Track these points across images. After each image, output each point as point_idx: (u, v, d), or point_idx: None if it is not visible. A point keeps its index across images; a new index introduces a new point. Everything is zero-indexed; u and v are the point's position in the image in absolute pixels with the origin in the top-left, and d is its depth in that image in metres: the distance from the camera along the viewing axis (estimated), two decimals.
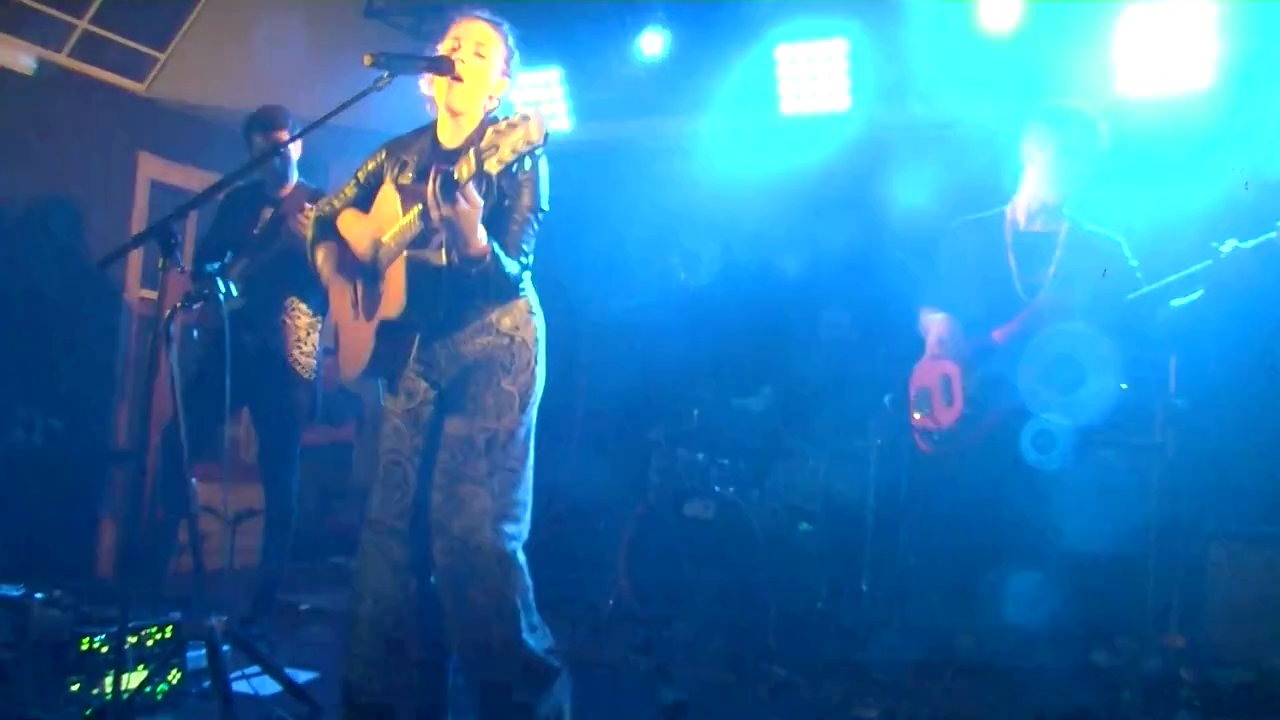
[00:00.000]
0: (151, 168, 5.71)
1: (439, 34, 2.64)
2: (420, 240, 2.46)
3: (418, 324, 2.55)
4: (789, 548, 4.56)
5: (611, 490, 5.71)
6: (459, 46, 2.56)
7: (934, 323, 3.00)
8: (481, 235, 2.37)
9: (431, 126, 2.70)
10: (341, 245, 2.75)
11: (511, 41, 2.66)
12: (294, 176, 3.99)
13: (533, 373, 2.65)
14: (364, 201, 2.73)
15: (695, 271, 4.98)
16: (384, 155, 2.75)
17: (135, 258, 5.60)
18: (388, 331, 2.55)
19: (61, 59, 5.16)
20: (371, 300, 2.61)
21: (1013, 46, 4.49)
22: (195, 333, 3.87)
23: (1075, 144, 2.87)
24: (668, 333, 5.90)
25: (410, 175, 2.66)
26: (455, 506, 2.54)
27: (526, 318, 2.67)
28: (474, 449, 2.56)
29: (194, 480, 3.09)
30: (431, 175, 2.34)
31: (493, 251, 2.41)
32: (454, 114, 2.62)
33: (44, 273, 5.13)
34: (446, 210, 2.28)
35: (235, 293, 3.70)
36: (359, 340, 2.63)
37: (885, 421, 4.51)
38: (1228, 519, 4.14)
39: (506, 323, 2.63)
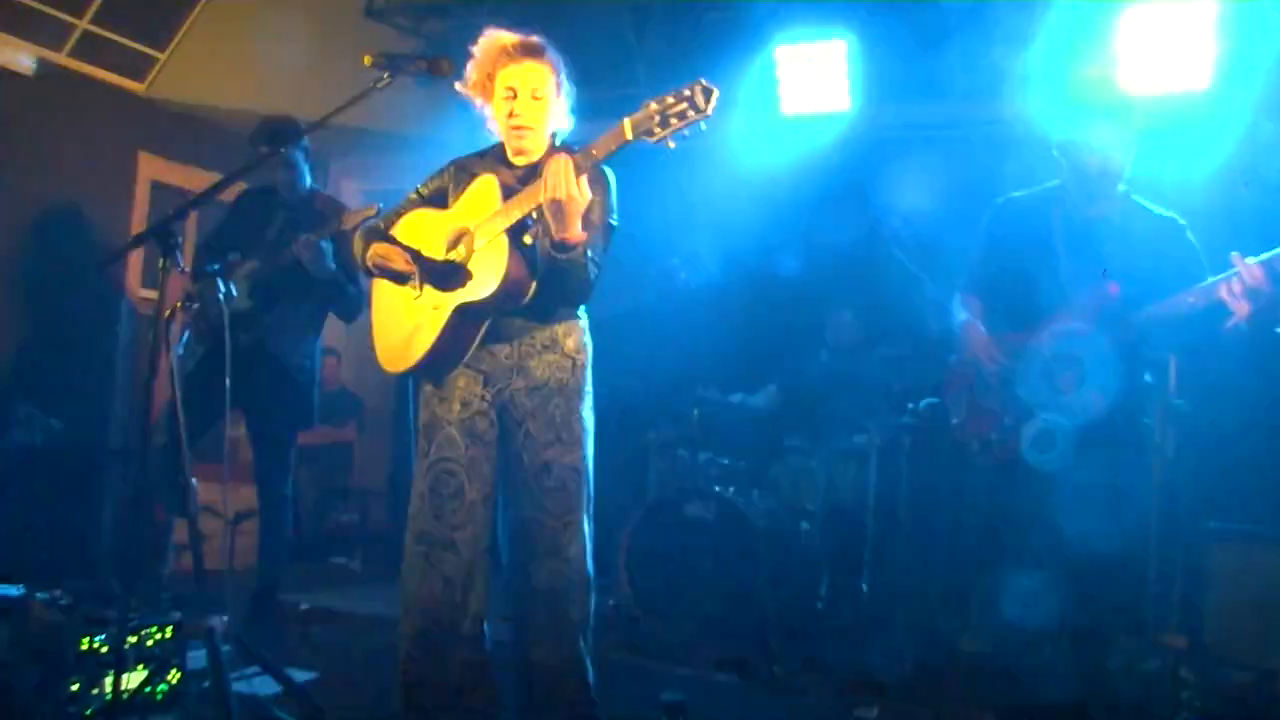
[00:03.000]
0: (151, 168, 5.72)
1: (481, 79, 2.61)
2: (515, 230, 2.48)
3: (497, 309, 2.52)
4: (789, 548, 4.56)
5: (612, 490, 5.71)
6: (515, 95, 2.55)
7: (969, 332, 2.85)
8: (580, 225, 2.40)
9: (499, 147, 2.70)
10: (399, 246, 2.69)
11: (564, 72, 2.63)
12: (307, 182, 3.97)
13: (591, 396, 2.75)
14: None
15: (696, 272, 4.98)
16: (451, 170, 2.73)
17: (135, 258, 5.60)
18: (464, 315, 2.51)
19: (61, 59, 5.16)
20: (446, 284, 2.55)
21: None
22: (185, 335, 3.85)
23: (1093, 147, 2.70)
24: (668, 332, 5.91)
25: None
26: (572, 534, 2.63)
27: (584, 342, 2.74)
28: (580, 476, 2.67)
29: (194, 480, 3.09)
30: (554, 158, 2.37)
31: (591, 258, 2.48)
32: (522, 153, 2.64)
33: (44, 272, 5.13)
34: (562, 194, 2.32)
35: (235, 294, 3.71)
36: (419, 329, 2.58)
37: (885, 422, 4.52)
38: (1228, 519, 4.14)
39: (570, 344, 2.69)
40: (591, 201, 2.48)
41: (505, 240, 2.45)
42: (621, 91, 5.97)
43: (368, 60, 2.45)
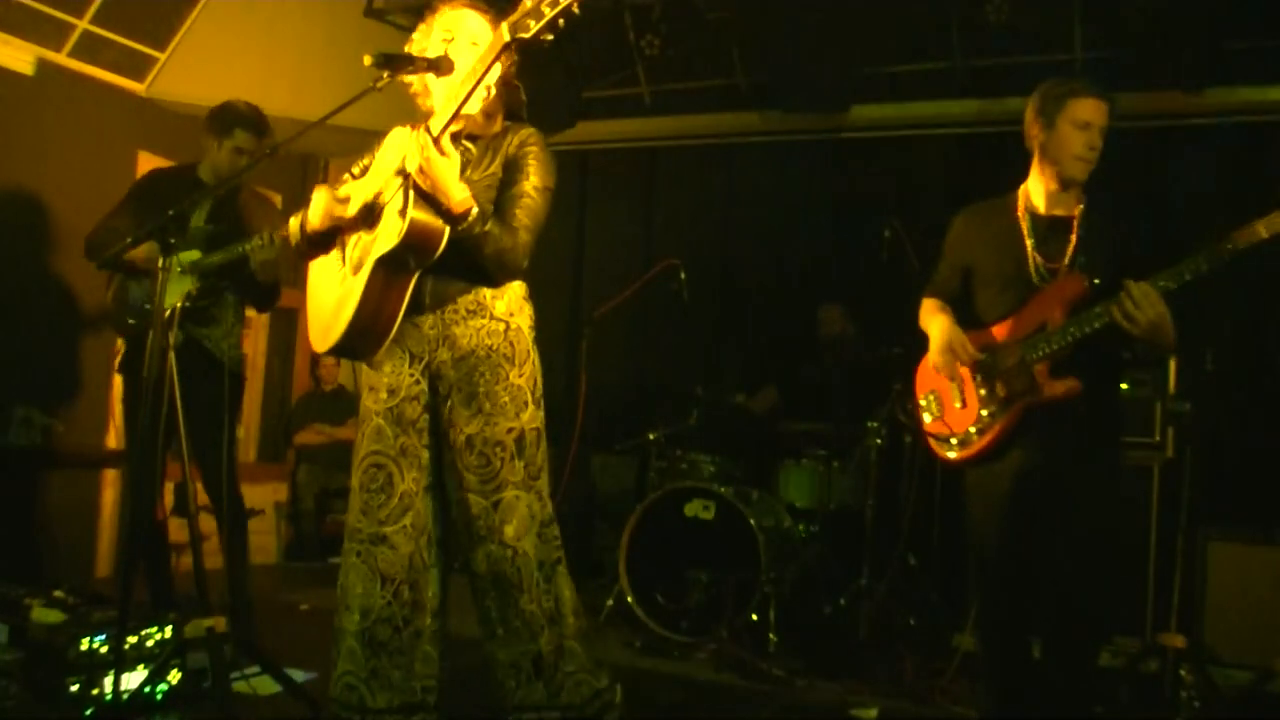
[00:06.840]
0: (151, 168, 5.70)
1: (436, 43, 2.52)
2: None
3: (418, 262, 2.36)
4: (789, 548, 4.56)
5: (611, 490, 5.72)
6: (452, 40, 2.47)
7: (936, 328, 2.88)
8: (460, 189, 2.30)
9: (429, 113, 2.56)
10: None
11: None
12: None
13: (534, 363, 2.55)
14: None
15: (693, 295, 4.98)
16: (376, 144, 2.61)
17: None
18: (385, 268, 2.35)
19: (61, 59, 5.16)
20: (366, 249, 2.42)
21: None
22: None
23: (1080, 120, 2.69)
24: (668, 333, 5.91)
25: None
26: (505, 513, 2.44)
27: (521, 303, 2.56)
28: (506, 450, 2.45)
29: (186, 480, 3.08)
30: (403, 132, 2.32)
31: (482, 215, 2.33)
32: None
33: (44, 272, 5.13)
34: (412, 167, 2.25)
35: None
36: (345, 300, 2.42)
37: (885, 421, 4.51)
38: (1228, 519, 4.14)
39: (500, 307, 2.50)
40: (522, 180, 2.44)
41: (406, 184, 2.32)
42: (622, 91, 5.98)
43: (368, 60, 2.43)
